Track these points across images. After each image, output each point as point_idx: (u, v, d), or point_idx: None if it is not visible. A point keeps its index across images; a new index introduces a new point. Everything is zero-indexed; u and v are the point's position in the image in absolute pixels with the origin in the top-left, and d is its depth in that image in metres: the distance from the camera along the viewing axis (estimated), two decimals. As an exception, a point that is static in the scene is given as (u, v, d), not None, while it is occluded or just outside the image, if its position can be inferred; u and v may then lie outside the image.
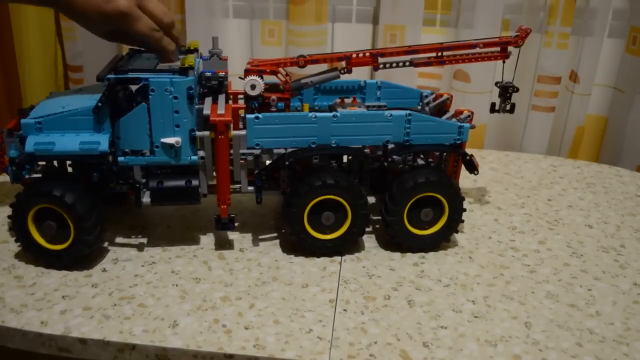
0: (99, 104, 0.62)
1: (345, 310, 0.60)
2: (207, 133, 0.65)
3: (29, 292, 0.61)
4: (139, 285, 0.63)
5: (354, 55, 0.70)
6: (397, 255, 0.70)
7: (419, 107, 0.79)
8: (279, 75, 0.69)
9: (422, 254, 0.71)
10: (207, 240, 0.72)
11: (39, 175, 0.66)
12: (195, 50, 0.72)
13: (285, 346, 0.55)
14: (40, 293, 0.61)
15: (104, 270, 0.66)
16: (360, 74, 0.74)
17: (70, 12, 0.63)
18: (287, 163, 0.66)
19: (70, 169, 0.67)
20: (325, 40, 1.09)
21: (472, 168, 0.72)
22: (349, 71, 0.71)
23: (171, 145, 0.64)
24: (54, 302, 0.60)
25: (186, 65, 0.64)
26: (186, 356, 0.55)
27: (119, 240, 0.72)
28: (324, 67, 0.74)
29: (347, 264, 0.68)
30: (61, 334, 0.56)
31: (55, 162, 0.66)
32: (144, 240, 0.72)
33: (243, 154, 0.68)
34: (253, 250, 0.70)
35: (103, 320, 0.57)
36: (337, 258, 0.69)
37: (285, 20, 1.09)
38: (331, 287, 0.64)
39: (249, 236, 0.73)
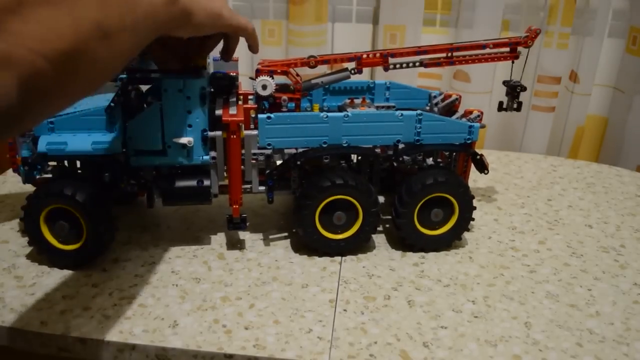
0: (112, 104, 0.62)
1: (345, 310, 0.60)
2: (219, 133, 0.65)
3: (29, 292, 0.61)
4: (139, 285, 0.63)
5: (365, 56, 0.70)
6: (397, 255, 0.70)
7: (428, 108, 0.79)
8: (290, 75, 0.69)
9: (423, 254, 0.71)
10: (207, 240, 0.72)
11: (49, 175, 0.66)
12: None
13: (285, 346, 0.55)
14: (40, 293, 0.61)
15: (104, 270, 0.66)
16: (362, 74, 0.74)
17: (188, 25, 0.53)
18: (298, 163, 0.66)
19: (80, 170, 0.67)
20: (325, 40, 1.09)
21: (482, 167, 0.72)
22: (360, 71, 0.71)
23: (183, 145, 0.64)
24: (54, 302, 0.60)
25: (199, 66, 0.64)
26: (186, 356, 0.55)
27: (119, 240, 0.72)
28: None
29: (347, 264, 0.68)
30: (61, 334, 0.56)
31: (65, 162, 0.66)
32: (144, 240, 0.72)
33: (254, 153, 0.68)
34: (253, 250, 0.70)
35: (103, 320, 0.57)
36: (337, 258, 0.69)
37: (285, 20, 1.09)
38: (331, 287, 0.64)
39: (249, 236, 0.73)
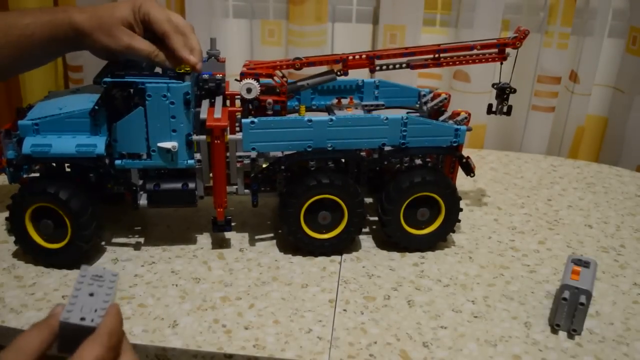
0: (96, 107, 0.62)
1: (345, 310, 0.60)
2: (203, 137, 0.65)
3: (29, 292, 0.61)
4: (139, 285, 0.63)
5: (350, 58, 0.70)
6: (397, 255, 0.70)
7: (417, 106, 0.79)
8: (275, 77, 0.69)
9: (422, 254, 0.71)
10: (207, 240, 0.72)
11: (37, 174, 0.66)
12: None
13: (285, 346, 0.55)
14: (40, 293, 0.61)
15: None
16: (360, 73, 0.74)
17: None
18: (282, 167, 0.66)
19: (68, 169, 0.67)
20: (325, 40, 1.09)
21: (469, 170, 0.72)
22: (345, 73, 0.71)
23: (168, 150, 0.64)
24: (54, 302, 0.60)
25: (182, 71, 0.64)
26: (186, 356, 0.55)
27: (118, 240, 0.72)
28: (321, 68, 0.74)
29: (347, 264, 0.68)
30: (61, 334, 0.56)
31: (53, 163, 0.66)
32: (144, 240, 0.72)
33: (239, 157, 0.68)
34: (253, 250, 0.70)
35: (103, 320, 0.57)
36: (337, 258, 0.69)
37: (285, 20, 1.09)
38: (331, 287, 0.64)
39: (248, 236, 0.73)
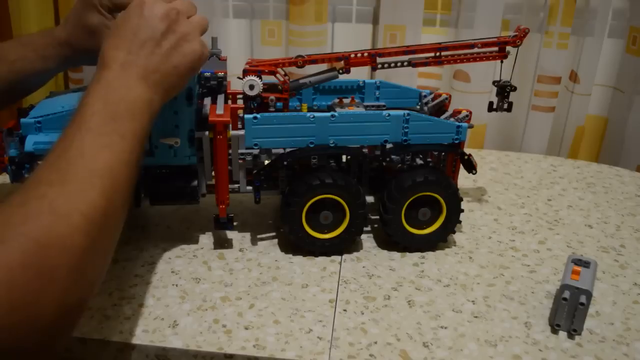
0: None
1: (345, 310, 0.60)
2: (205, 133, 0.65)
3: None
4: (139, 285, 0.63)
5: (352, 55, 0.70)
6: (397, 255, 0.70)
7: (418, 107, 0.79)
8: (278, 75, 0.69)
9: (422, 254, 0.71)
10: (207, 240, 0.72)
11: None
12: None
13: (285, 346, 0.55)
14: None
15: (104, 270, 0.66)
16: (360, 73, 0.74)
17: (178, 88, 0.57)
18: (285, 163, 0.66)
19: None
20: (326, 40, 1.09)
21: (471, 167, 0.72)
22: (347, 71, 0.71)
23: (170, 146, 0.64)
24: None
25: None
26: (186, 356, 0.55)
27: (119, 240, 0.71)
28: (323, 67, 0.74)
29: (347, 264, 0.68)
30: (61, 334, 0.56)
31: None
32: (144, 240, 0.72)
33: (242, 153, 0.68)
34: (253, 250, 0.70)
35: (103, 320, 0.57)
36: (337, 258, 0.69)
37: (285, 20, 1.09)
38: (331, 287, 0.64)
39: (249, 236, 0.73)
